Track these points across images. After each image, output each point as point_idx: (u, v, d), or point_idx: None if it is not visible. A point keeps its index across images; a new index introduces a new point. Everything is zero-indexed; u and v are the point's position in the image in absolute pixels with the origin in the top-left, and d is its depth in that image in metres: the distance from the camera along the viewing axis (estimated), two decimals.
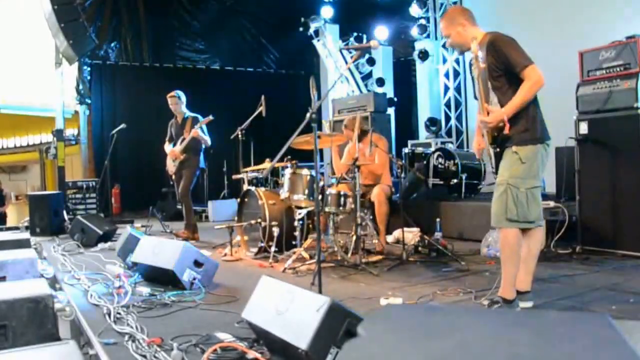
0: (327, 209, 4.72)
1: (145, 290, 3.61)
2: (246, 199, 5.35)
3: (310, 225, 5.01)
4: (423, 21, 9.52)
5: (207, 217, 8.67)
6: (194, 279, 3.71)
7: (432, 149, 7.56)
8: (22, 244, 4.64)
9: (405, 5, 9.64)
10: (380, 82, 9.68)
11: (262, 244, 4.93)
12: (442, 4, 9.51)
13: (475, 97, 3.23)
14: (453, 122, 9.44)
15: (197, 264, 3.76)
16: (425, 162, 7.08)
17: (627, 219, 4.48)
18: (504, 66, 2.98)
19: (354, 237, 4.62)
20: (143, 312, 3.15)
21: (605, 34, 4.95)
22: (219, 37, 11.60)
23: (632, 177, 4.43)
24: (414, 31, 9.58)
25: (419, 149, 7.78)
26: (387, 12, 10.24)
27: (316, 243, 3.29)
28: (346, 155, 5.60)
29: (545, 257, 4.58)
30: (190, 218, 6.47)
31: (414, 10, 9.46)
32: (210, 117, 6.13)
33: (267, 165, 5.56)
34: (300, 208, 4.99)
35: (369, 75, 10.07)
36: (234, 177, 6.62)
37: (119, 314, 3.07)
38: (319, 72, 10.66)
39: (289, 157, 4.88)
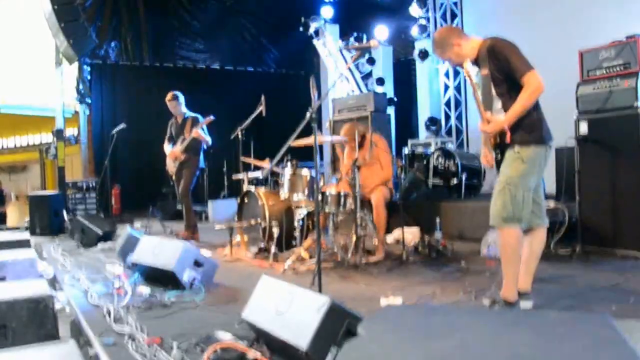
0: (327, 209, 4.72)
1: (145, 290, 3.61)
2: (246, 199, 5.34)
3: (310, 225, 5.01)
4: (423, 21, 9.51)
5: (207, 217, 8.67)
6: (194, 279, 3.71)
7: (432, 149, 7.56)
8: (22, 244, 4.65)
9: (405, 5, 9.63)
10: (380, 81, 9.68)
11: (262, 244, 4.93)
12: (442, 4, 9.50)
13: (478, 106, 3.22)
14: (453, 121, 9.44)
15: (197, 264, 3.76)
16: (425, 162, 7.08)
17: (627, 219, 4.48)
18: (505, 71, 2.97)
19: (354, 237, 4.61)
20: (143, 312, 3.15)
21: (605, 33, 4.94)
22: (219, 37, 11.60)
23: (632, 177, 4.42)
24: (414, 31, 9.57)
25: (419, 149, 7.78)
26: (387, 12, 10.24)
27: (316, 243, 3.29)
28: (346, 157, 5.59)
29: (545, 257, 4.55)
30: (190, 218, 6.47)
31: (414, 10, 9.45)
32: (211, 118, 6.12)
33: (266, 164, 5.55)
34: (300, 208, 4.99)
35: (369, 75, 10.07)
36: (234, 177, 6.61)
37: (119, 314, 3.07)
38: (319, 72, 10.66)
39: (289, 156, 4.88)
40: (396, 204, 5.53)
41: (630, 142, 4.43)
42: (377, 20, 10.09)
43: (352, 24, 10.26)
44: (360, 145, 5.05)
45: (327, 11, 10.04)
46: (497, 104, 3.08)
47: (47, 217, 6.82)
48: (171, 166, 6.52)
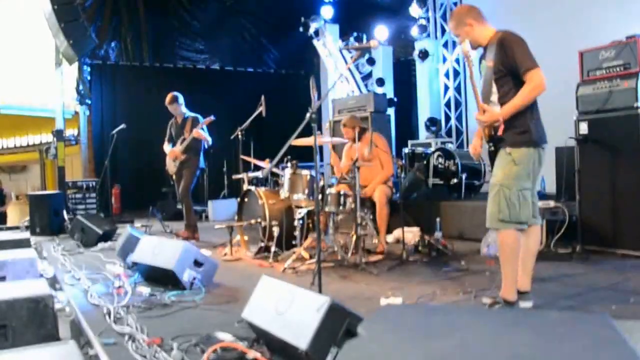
0: (327, 209, 4.72)
1: (145, 290, 3.61)
2: (246, 199, 5.34)
3: (310, 225, 5.01)
4: (423, 21, 9.52)
5: (207, 217, 8.67)
6: (194, 278, 3.71)
7: (432, 148, 7.56)
8: (22, 243, 4.66)
9: (405, 5, 9.63)
10: (380, 82, 9.68)
11: (262, 244, 4.93)
12: (442, 4, 9.51)
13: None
14: (453, 122, 9.44)
15: (197, 263, 3.76)
16: (425, 162, 7.08)
17: (627, 219, 4.48)
18: (510, 66, 2.95)
19: (354, 237, 4.62)
20: (143, 312, 3.15)
21: (605, 33, 4.94)
22: (219, 37, 11.61)
23: (632, 177, 4.43)
24: (414, 31, 9.58)
25: (419, 149, 7.77)
26: (387, 12, 10.24)
27: (316, 243, 3.29)
28: (345, 157, 5.59)
29: (545, 257, 4.58)
30: (191, 218, 6.47)
31: (414, 10, 9.46)
32: (212, 118, 6.12)
33: (266, 164, 5.55)
34: (300, 208, 4.99)
35: (369, 75, 10.07)
36: (234, 177, 6.61)
37: (119, 314, 3.07)
38: (319, 72, 10.66)
39: (289, 157, 4.88)
40: (396, 204, 5.53)
41: (630, 142, 4.43)
42: (377, 20, 10.09)
43: (352, 24, 10.26)
44: (358, 139, 5.06)
45: (327, 11, 10.05)
46: (494, 97, 3.07)
47: (47, 217, 6.82)
48: (171, 166, 6.52)
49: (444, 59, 9.55)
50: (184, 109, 6.53)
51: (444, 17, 9.48)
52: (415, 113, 10.24)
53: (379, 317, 1.79)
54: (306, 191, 4.89)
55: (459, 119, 9.44)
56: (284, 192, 4.98)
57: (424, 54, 9.44)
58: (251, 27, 11.86)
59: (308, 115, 3.26)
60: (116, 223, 6.75)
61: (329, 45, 9.95)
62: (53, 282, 4.08)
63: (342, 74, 9.28)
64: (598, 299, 3.33)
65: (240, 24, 11.76)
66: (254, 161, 5.85)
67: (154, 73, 10.94)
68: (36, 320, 2.62)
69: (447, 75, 9.50)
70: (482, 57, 3.25)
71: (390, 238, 5.62)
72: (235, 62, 11.74)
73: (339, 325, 2.06)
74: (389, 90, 9.75)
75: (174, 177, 6.60)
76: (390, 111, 8.99)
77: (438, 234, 5.06)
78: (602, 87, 4.62)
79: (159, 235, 5.88)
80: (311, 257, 4.62)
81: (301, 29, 9.85)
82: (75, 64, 9.15)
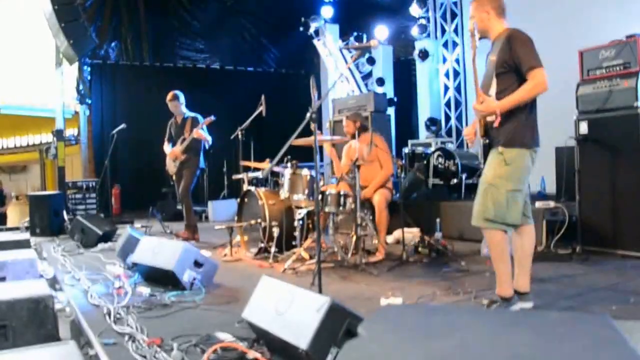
0: (327, 209, 4.72)
1: (145, 290, 3.61)
2: (246, 199, 5.34)
3: (310, 225, 5.01)
4: (423, 21, 9.52)
5: (207, 217, 8.67)
6: (194, 279, 3.71)
7: (432, 148, 7.56)
8: (22, 244, 4.65)
9: (405, 5, 9.64)
10: (380, 82, 9.69)
11: (262, 244, 4.93)
12: (442, 4, 9.51)
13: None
14: (453, 122, 9.44)
15: (197, 264, 3.76)
16: (425, 162, 7.08)
17: (627, 219, 4.48)
18: (514, 63, 2.95)
19: (354, 238, 4.61)
20: (143, 313, 3.15)
21: (605, 33, 4.94)
22: (219, 37, 11.61)
23: (632, 177, 4.42)
24: (414, 31, 9.58)
25: (419, 149, 7.77)
26: (387, 12, 10.24)
27: (316, 243, 3.29)
28: (345, 157, 5.58)
29: (545, 257, 4.58)
30: (191, 218, 6.47)
31: (414, 10, 9.46)
32: (212, 118, 6.12)
33: (266, 164, 5.55)
34: (300, 208, 4.99)
35: (369, 75, 10.07)
36: (234, 177, 6.61)
37: (119, 314, 3.07)
38: (319, 71, 10.67)
39: (289, 157, 4.88)
40: (396, 204, 5.53)
41: (630, 142, 4.43)
42: (377, 20, 10.09)
43: (352, 24, 10.26)
44: (358, 137, 5.06)
45: (327, 11, 10.05)
46: (493, 90, 3.06)
47: (47, 217, 6.82)
48: (171, 166, 6.52)
49: (444, 59, 9.55)
50: (184, 109, 6.53)
51: (444, 17, 9.48)
52: (415, 113, 10.24)
53: (379, 317, 1.79)
54: (306, 191, 4.89)
55: (459, 119, 9.44)
56: (283, 193, 4.97)
57: (424, 54, 9.44)
58: (251, 27, 11.86)
59: (308, 115, 3.26)
60: (116, 223, 6.75)
61: (329, 45, 9.95)
62: (53, 282, 4.08)
63: (342, 74, 9.28)
64: (598, 300, 3.33)
65: (240, 24, 11.76)
66: (254, 165, 5.86)
67: (154, 73, 10.94)
68: (36, 320, 2.62)
69: (447, 75, 9.50)
70: (487, 54, 3.25)
71: (390, 239, 5.62)
72: (235, 62, 11.74)
73: (339, 325, 2.06)
74: (389, 90, 9.75)
75: (174, 177, 6.60)
76: (390, 111, 8.99)
77: (438, 235, 5.06)
78: (602, 87, 4.62)
79: (158, 236, 5.88)
80: (311, 257, 4.62)
81: (301, 29, 9.85)
82: (76, 64, 9.16)
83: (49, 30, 7.75)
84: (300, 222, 4.93)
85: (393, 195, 5.46)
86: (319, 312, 2.06)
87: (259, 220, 4.94)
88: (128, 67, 10.90)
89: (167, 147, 6.59)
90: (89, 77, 10.43)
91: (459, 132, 9.41)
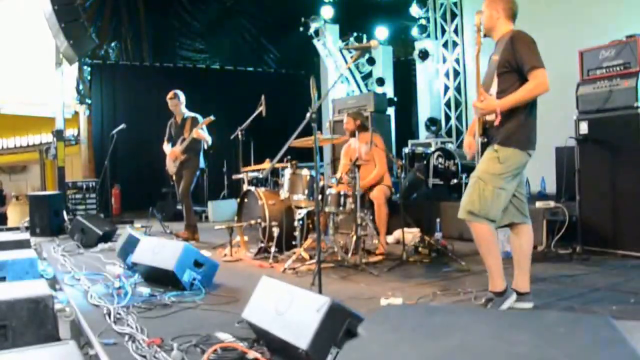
0: (327, 209, 4.72)
1: (145, 290, 3.60)
2: (246, 199, 5.34)
3: (310, 225, 5.01)
4: (423, 21, 9.53)
5: (207, 217, 8.67)
6: (194, 279, 3.71)
7: (432, 149, 7.55)
8: (22, 244, 4.64)
9: (405, 5, 9.64)
10: (380, 82, 9.69)
11: (262, 244, 4.93)
12: (442, 4, 9.51)
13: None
14: (453, 122, 9.44)
15: (197, 264, 3.76)
16: (425, 162, 7.07)
17: (627, 219, 4.48)
18: (517, 63, 2.95)
19: (354, 238, 4.62)
20: (143, 313, 3.15)
21: (605, 33, 4.94)
22: (219, 37, 11.61)
23: (632, 177, 4.42)
24: (414, 31, 9.59)
25: (419, 149, 7.77)
26: (387, 12, 10.24)
27: (316, 243, 3.29)
28: (344, 157, 5.60)
29: (545, 257, 4.58)
30: (190, 218, 6.47)
31: (414, 10, 9.47)
32: (211, 118, 6.12)
33: (267, 165, 5.55)
34: (300, 208, 4.99)
35: (369, 75, 10.08)
36: (234, 177, 6.61)
37: (119, 314, 3.07)
38: (319, 71, 10.67)
39: (289, 157, 4.88)
40: (396, 204, 5.53)
41: (630, 142, 4.43)
42: (377, 20, 10.09)
43: (352, 24, 10.26)
44: (358, 135, 5.06)
45: (327, 11, 10.05)
46: (494, 90, 3.06)
47: (47, 217, 6.82)
48: (171, 166, 6.52)
49: (444, 60, 9.55)
50: (183, 109, 6.53)
51: (444, 17, 9.48)
52: (415, 113, 10.24)
53: (379, 318, 1.79)
54: (306, 191, 4.89)
55: (459, 119, 9.44)
56: (283, 193, 4.98)
57: (424, 54, 9.45)
58: (251, 27, 11.87)
59: (308, 115, 3.26)
60: (116, 223, 6.75)
61: (329, 45, 9.95)
62: (53, 282, 4.07)
63: (342, 74, 9.28)
64: (598, 300, 3.33)
65: (240, 24, 11.77)
66: (254, 168, 5.86)
67: (154, 73, 10.94)
68: (36, 320, 2.62)
69: (447, 75, 9.50)
70: (490, 55, 3.26)
71: (390, 239, 5.62)
72: (235, 62, 11.74)
73: (339, 325, 2.06)
74: (389, 90, 9.75)
75: (173, 177, 6.60)
76: (390, 111, 8.99)
77: (438, 235, 5.06)
78: (602, 87, 4.62)
79: (158, 236, 5.89)
80: (311, 257, 4.62)
81: (301, 29, 9.85)
82: (75, 64, 9.15)
83: (49, 31, 7.74)
84: (300, 222, 4.93)
85: (392, 194, 5.47)
86: (319, 312, 2.06)
87: (258, 220, 4.94)
88: (128, 67, 10.90)
89: (167, 147, 6.59)
90: (89, 77, 10.43)
91: (459, 132, 9.41)
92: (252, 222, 5.02)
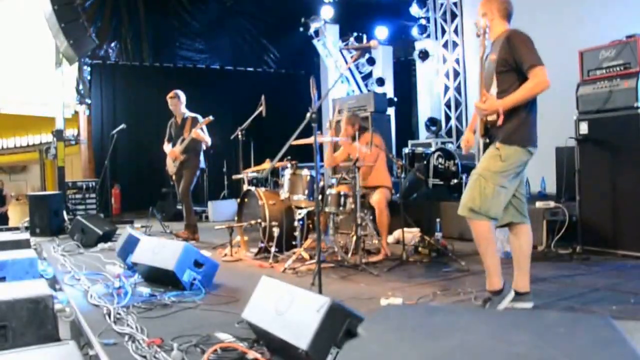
0: (327, 209, 4.72)
1: (145, 290, 3.60)
2: (246, 199, 5.34)
3: (310, 226, 5.01)
4: (423, 21, 9.53)
5: (207, 217, 8.67)
6: (194, 279, 3.71)
7: (432, 149, 7.56)
8: (22, 244, 4.65)
9: (405, 5, 9.64)
10: (380, 82, 9.69)
11: (262, 244, 4.93)
12: (442, 4, 9.51)
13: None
14: (453, 122, 9.43)
15: (197, 264, 3.76)
16: (425, 162, 7.08)
17: (627, 219, 4.48)
18: (515, 62, 2.97)
19: (354, 238, 4.62)
20: (143, 313, 3.15)
21: (605, 33, 4.94)
22: (219, 37, 11.61)
23: (632, 177, 4.42)
24: (414, 31, 9.59)
25: (419, 149, 7.78)
26: (387, 12, 10.25)
27: (316, 243, 3.29)
28: (342, 150, 5.55)
29: (546, 257, 4.59)
30: (191, 218, 6.47)
31: (414, 10, 9.47)
32: (210, 118, 6.12)
33: (267, 165, 5.55)
34: (300, 208, 4.99)
35: (369, 75, 10.08)
36: (234, 177, 6.61)
37: (119, 314, 3.07)
38: (319, 71, 10.67)
39: (289, 157, 4.88)
40: (396, 204, 5.53)
41: (630, 142, 4.43)
42: (377, 20, 10.10)
43: (352, 24, 10.26)
44: (358, 138, 5.06)
45: (327, 11, 10.05)
46: (494, 90, 3.07)
47: (47, 217, 6.82)
48: (171, 166, 6.52)
49: (444, 60, 9.55)
50: (183, 109, 6.53)
51: (444, 17, 9.48)
52: (415, 113, 10.24)
53: (379, 318, 1.79)
54: (306, 192, 4.89)
55: (459, 119, 9.43)
56: (284, 193, 4.97)
57: (424, 54, 9.45)
58: (251, 27, 11.86)
59: (308, 115, 3.26)
60: (116, 223, 6.75)
61: (329, 46, 9.95)
62: (53, 282, 4.07)
63: (342, 74, 9.28)
64: (598, 300, 3.33)
65: (240, 24, 11.76)
66: (255, 169, 5.86)
67: (154, 73, 10.94)
68: (36, 320, 2.62)
69: (447, 75, 9.50)
70: (487, 55, 3.26)
71: (390, 239, 5.62)
72: (235, 62, 11.74)
73: (339, 325, 2.06)
74: (389, 90, 9.75)
75: (173, 177, 6.61)
76: (390, 111, 8.99)
77: (438, 235, 5.06)
78: (602, 87, 4.62)
79: (158, 236, 5.89)
80: (311, 257, 4.62)
81: (301, 29, 9.85)
82: (75, 64, 9.14)
83: (49, 31, 7.74)
84: (300, 222, 4.93)
85: (393, 195, 5.47)
86: (319, 312, 2.06)
87: (259, 220, 4.94)
88: (128, 67, 10.90)
89: (167, 147, 6.60)
90: (89, 77, 10.42)
91: (459, 133, 9.40)
92: (252, 222, 5.02)
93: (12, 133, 14.31)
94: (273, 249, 4.77)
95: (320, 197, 4.41)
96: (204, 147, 6.50)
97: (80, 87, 10.18)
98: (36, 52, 9.97)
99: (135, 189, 10.24)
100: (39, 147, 13.06)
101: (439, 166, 6.88)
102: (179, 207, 7.19)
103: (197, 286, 3.68)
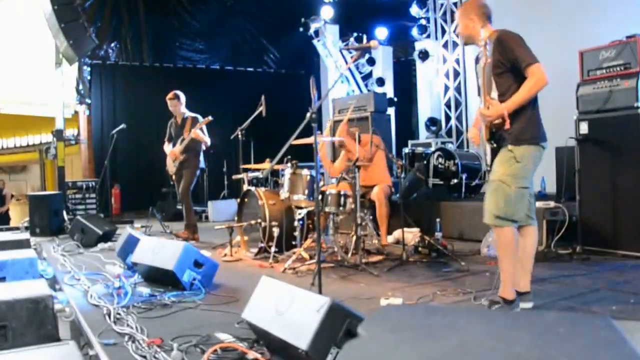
0: (327, 209, 4.72)
1: (145, 290, 3.60)
2: (246, 199, 5.34)
3: (310, 225, 5.01)
4: (423, 21, 9.53)
5: (207, 217, 8.67)
6: (194, 279, 3.71)
7: (432, 149, 7.55)
8: (22, 244, 4.64)
9: (405, 5, 9.64)
10: (380, 82, 9.69)
11: (262, 244, 4.93)
12: (442, 4, 9.51)
13: (479, 94, 3.24)
14: (453, 122, 9.44)
15: (197, 264, 3.76)
16: (425, 162, 7.08)
17: (627, 219, 4.48)
18: (510, 62, 2.98)
19: (354, 238, 4.61)
20: (143, 313, 3.15)
21: (605, 33, 4.94)
22: (219, 37, 11.61)
23: (632, 177, 4.42)
24: (414, 31, 9.59)
25: (419, 149, 7.77)
26: (387, 12, 10.25)
27: (316, 243, 3.29)
28: (341, 158, 5.59)
29: (545, 257, 4.58)
30: (190, 218, 6.47)
31: (414, 10, 9.47)
32: (210, 118, 6.12)
33: (267, 165, 5.55)
34: (300, 208, 4.99)
35: (369, 75, 10.08)
36: (234, 177, 6.61)
37: (119, 314, 3.07)
38: (319, 72, 10.67)
39: (289, 157, 4.87)
40: (396, 204, 5.53)
41: (630, 142, 4.43)
42: (377, 20, 10.09)
43: (352, 24, 10.26)
44: (359, 142, 5.07)
45: (327, 11, 10.05)
46: (495, 94, 3.08)
47: (47, 217, 6.82)
48: (171, 166, 6.52)
49: (444, 60, 9.55)
50: (183, 109, 6.53)
51: (444, 17, 9.48)
52: (415, 113, 10.24)
53: (379, 318, 1.79)
54: (306, 192, 4.89)
55: (459, 119, 9.43)
56: (284, 193, 4.97)
57: (424, 54, 9.45)
58: (251, 27, 11.87)
59: (308, 115, 3.26)
60: (116, 223, 6.75)
61: (329, 46, 9.95)
62: (53, 282, 4.07)
63: (342, 74, 9.28)
64: (598, 300, 3.33)
65: (240, 24, 11.76)
66: (255, 167, 5.86)
67: (154, 73, 10.94)
68: (36, 320, 2.62)
69: (447, 75, 9.50)
70: (476, 60, 3.28)
71: (390, 239, 5.62)
72: (235, 62, 11.74)
73: (339, 325, 2.05)
74: (389, 90, 9.75)
75: (173, 177, 6.61)
76: (390, 111, 8.98)
77: (438, 235, 5.06)
78: (603, 87, 4.62)
79: (158, 236, 5.88)
80: (311, 257, 4.62)
81: (301, 29, 9.85)
82: (75, 64, 9.14)
83: (49, 31, 7.74)
84: (300, 222, 4.93)
85: (392, 193, 5.48)
86: (319, 312, 2.06)
87: (259, 220, 4.94)
88: (128, 67, 10.90)
89: (167, 147, 6.60)
90: (88, 77, 10.42)
91: (459, 132, 9.41)
92: (252, 222, 5.02)
93: (12, 133, 14.32)
94: (273, 249, 4.77)
95: (320, 197, 4.41)
96: (203, 147, 6.50)
97: (80, 87, 10.18)
98: (36, 52, 9.97)
99: (135, 189, 10.24)
100: (39, 147, 13.07)
101: (439, 166, 6.87)
102: (179, 207, 7.19)
103: (197, 286, 3.68)
